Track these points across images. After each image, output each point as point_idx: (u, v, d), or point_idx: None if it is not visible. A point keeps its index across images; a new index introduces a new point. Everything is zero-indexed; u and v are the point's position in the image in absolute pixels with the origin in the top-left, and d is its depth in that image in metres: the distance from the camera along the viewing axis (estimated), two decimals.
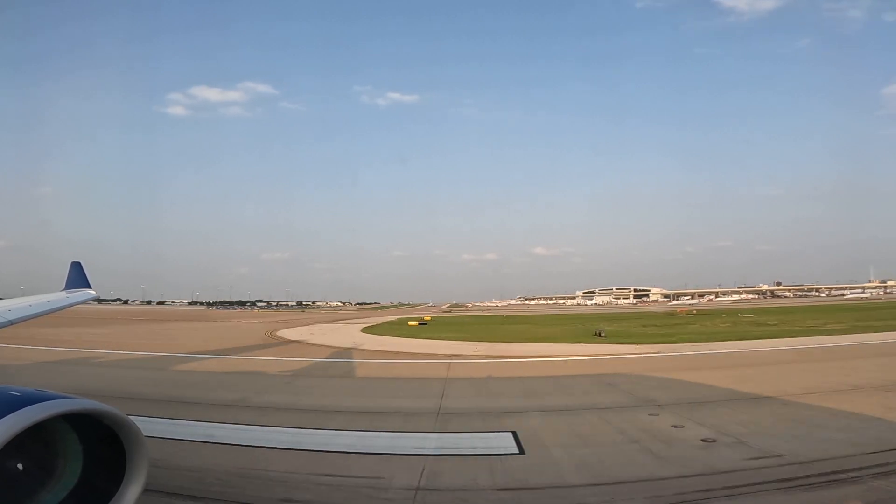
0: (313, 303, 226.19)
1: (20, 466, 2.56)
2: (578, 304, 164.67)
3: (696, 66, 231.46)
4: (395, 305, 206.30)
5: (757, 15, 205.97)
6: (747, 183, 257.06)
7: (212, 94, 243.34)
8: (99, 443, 2.72)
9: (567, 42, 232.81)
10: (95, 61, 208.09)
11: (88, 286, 9.91)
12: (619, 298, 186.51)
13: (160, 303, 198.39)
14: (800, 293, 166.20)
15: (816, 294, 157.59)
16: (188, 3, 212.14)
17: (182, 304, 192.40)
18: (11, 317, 6.54)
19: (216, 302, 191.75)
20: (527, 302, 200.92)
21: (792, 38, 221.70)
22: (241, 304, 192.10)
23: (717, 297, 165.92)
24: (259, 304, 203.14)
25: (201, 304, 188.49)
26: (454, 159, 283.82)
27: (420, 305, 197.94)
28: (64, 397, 2.56)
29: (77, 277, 9.96)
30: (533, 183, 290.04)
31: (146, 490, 2.80)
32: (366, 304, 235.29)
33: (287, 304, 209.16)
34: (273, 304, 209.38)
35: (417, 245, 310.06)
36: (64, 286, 9.71)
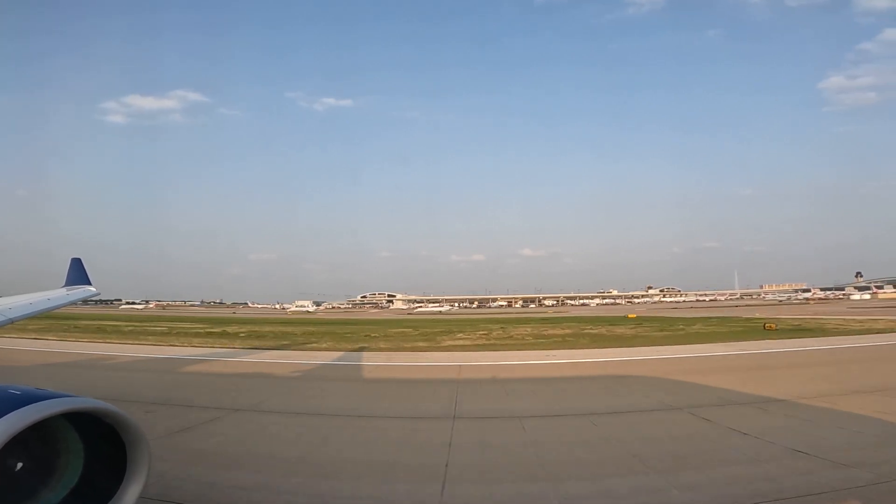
0: (146, 301, 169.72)
1: (21, 465, 2.56)
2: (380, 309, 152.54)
3: (613, 62, 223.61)
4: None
5: (656, 5, 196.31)
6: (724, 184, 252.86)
7: (146, 102, 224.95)
8: (100, 441, 2.71)
9: (564, 42, 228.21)
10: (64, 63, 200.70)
11: (89, 283, 9.78)
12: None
13: None
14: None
15: (683, 299, 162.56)
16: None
17: None
18: (12, 315, 6.48)
19: None
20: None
21: (700, 29, 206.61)
22: None
23: (540, 303, 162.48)
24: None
25: None
26: (444, 161, 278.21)
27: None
28: (64, 396, 2.56)
29: (77, 274, 9.83)
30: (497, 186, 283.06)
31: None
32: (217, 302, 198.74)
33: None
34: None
35: (406, 246, 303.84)
36: (64, 283, 9.57)
